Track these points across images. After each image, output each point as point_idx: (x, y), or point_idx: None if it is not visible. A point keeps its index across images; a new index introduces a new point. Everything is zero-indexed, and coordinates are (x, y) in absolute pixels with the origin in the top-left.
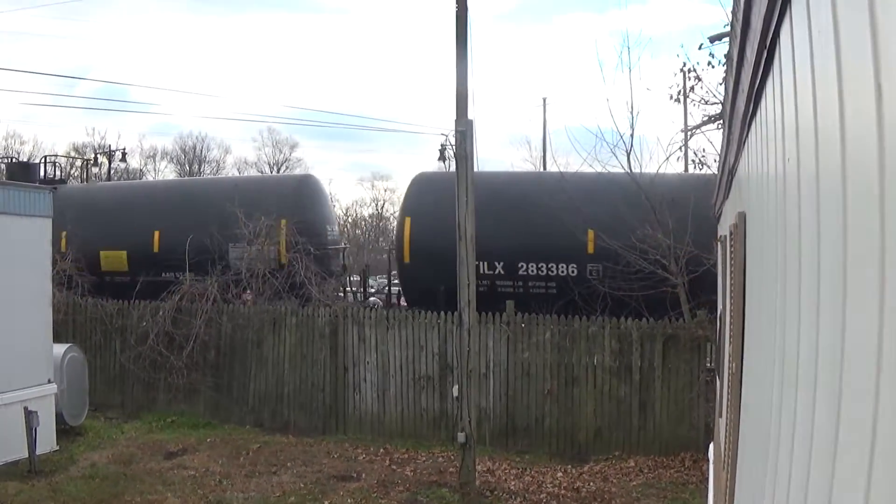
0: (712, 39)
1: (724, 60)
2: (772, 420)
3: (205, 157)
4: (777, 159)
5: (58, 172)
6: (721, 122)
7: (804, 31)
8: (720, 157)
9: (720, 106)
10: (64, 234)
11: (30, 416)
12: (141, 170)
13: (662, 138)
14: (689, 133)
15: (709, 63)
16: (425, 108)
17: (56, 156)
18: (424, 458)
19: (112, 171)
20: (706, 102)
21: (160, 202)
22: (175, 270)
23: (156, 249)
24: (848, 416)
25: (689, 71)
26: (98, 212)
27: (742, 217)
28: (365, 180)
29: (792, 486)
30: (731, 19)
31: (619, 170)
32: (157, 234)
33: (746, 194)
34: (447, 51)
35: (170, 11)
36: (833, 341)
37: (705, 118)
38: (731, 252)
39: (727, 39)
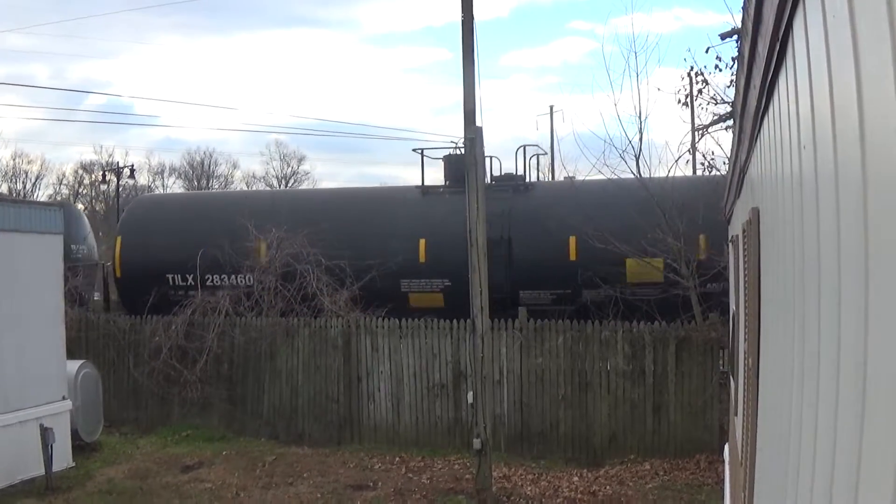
0: (723, 36)
1: (730, 63)
2: (792, 414)
3: (213, 172)
4: (792, 150)
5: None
6: (730, 121)
7: (818, 16)
8: (731, 156)
9: (728, 106)
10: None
11: (45, 432)
12: (149, 186)
13: (671, 142)
14: (699, 133)
15: (716, 66)
16: (432, 120)
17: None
18: (440, 466)
19: (120, 189)
20: (716, 102)
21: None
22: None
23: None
24: (874, 406)
25: (697, 74)
26: None
27: (756, 213)
28: None
29: (816, 478)
30: (741, 16)
31: (628, 175)
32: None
33: (759, 190)
34: (453, 62)
35: (172, 30)
36: (856, 330)
37: (715, 117)
38: (744, 250)
39: (736, 38)
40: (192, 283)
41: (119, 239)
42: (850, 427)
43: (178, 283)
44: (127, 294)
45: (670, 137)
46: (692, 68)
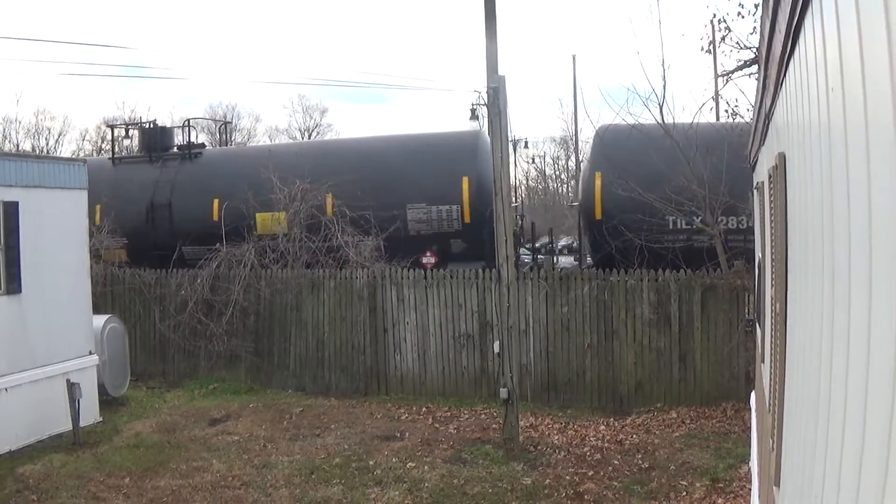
0: None
1: (753, 10)
2: (822, 358)
3: (236, 125)
4: (819, 94)
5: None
6: (754, 67)
7: None
8: (756, 103)
9: (752, 52)
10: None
11: (72, 388)
12: None
13: (694, 90)
14: (723, 80)
15: (738, 13)
16: (455, 68)
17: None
18: (467, 416)
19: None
20: (740, 48)
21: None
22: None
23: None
24: None
25: (720, 21)
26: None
27: (782, 158)
28: None
29: (847, 422)
30: None
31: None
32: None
33: (785, 136)
34: (476, 10)
35: None
36: (888, 274)
37: (739, 63)
38: (770, 195)
39: None
40: None
41: None
42: (883, 371)
43: None
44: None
45: (694, 85)
46: (714, 15)
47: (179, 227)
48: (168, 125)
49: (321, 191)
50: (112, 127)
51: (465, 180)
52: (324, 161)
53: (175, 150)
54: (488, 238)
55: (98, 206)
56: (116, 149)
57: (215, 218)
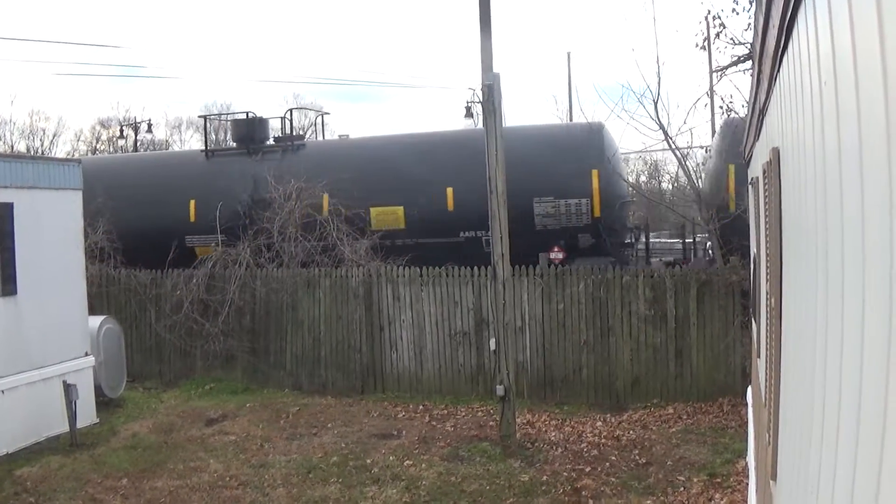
0: None
1: (748, 6)
2: (816, 352)
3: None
4: (812, 88)
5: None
6: (748, 62)
7: None
8: (750, 98)
9: (746, 48)
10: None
11: (69, 389)
12: (167, 140)
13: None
14: (717, 76)
15: (733, 10)
16: (449, 66)
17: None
18: (464, 413)
19: (139, 143)
20: (734, 44)
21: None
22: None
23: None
24: None
25: (714, 18)
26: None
27: (776, 153)
28: None
29: (842, 415)
30: None
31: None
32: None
33: (779, 130)
34: (471, 7)
35: None
36: (881, 268)
37: (733, 59)
38: (765, 190)
39: None
40: None
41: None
42: (877, 364)
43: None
44: None
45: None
46: (709, 12)
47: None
48: (263, 116)
49: (441, 185)
50: (205, 118)
51: (595, 173)
52: (441, 153)
53: (272, 141)
54: (620, 232)
55: (191, 202)
56: (110, 149)
57: (324, 213)
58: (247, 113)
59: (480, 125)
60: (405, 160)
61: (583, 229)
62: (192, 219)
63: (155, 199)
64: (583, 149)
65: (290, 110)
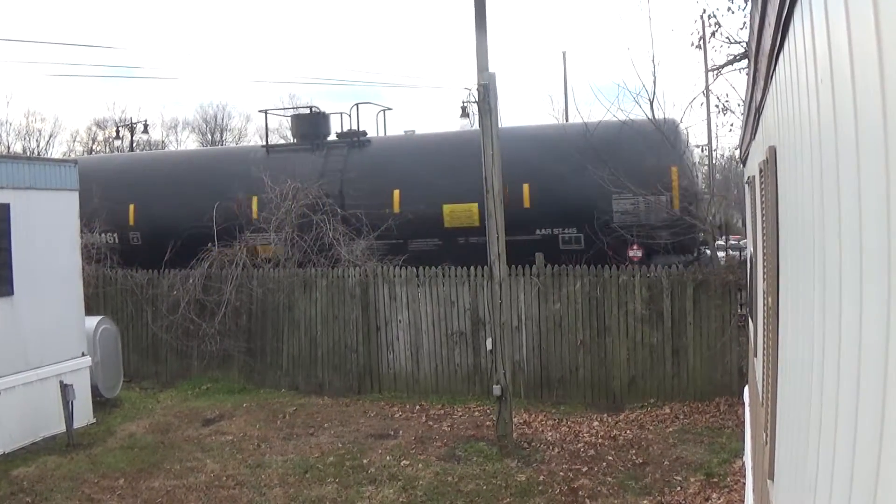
0: None
1: (743, 4)
2: (814, 351)
3: (226, 125)
4: (809, 87)
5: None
6: (744, 61)
7: None
8: (746, 97)
9: (741, 46)
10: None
11: (65, 389)
12: (163, 141)
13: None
14: (713, 75)
15: (728, 8)
16: (445, 66)
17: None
18: (460, 413)
19: (135, 144)
20: (730, 42)
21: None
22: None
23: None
24: None
25: (710, 17)
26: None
27: (772, 151)
28: None
29: (840, 414)
30: None
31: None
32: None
33: (775, 129)
34: (466, 7)
35: None
36: (879, 266)
37: (729, 58)
38: (761, 189)
39: None
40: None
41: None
42: (874, 363)
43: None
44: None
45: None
46: (704, 11)
47: (354, 220)
48: (325, 111)
49: (517, 182)
50: (266, 112)
51: (674, 170)
52: (515, 149)
53: (335, 137)
54: (697, 229)
55: (253, 198)
56: (106, 150)
57: (396, 209)
58: (310, 108)
59: (476, 125)
60: (478, 156)
61: (661, 227)
62: (255, 216)
63: (213, 196)
64: (661, 145)
65: (357, 104)
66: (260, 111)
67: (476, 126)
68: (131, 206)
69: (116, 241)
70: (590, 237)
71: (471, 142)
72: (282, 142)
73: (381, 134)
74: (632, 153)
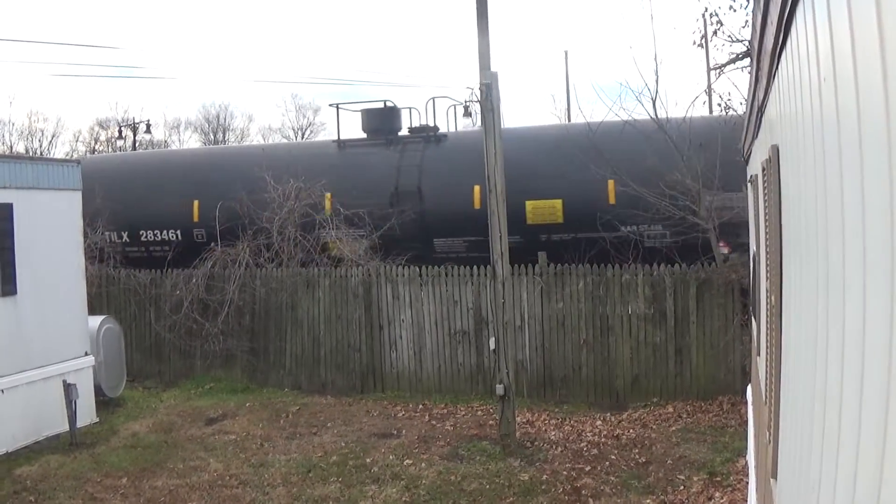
0: None
1: (745, 3)
2: (817, 350)
3: (229, 125)
4: (812, 86)
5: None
6: (746, 60)
7: None
8: (748, 96)
9: (744, 45)
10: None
11: (69, 389)
12: (165, 141)
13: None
14: (715, 73)
15: (730, 7)
16: (447, 65)
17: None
18: (463, 413)
19: (137, 144)
20: (732, 41)
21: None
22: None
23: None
24: None
25: (712, 15)
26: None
27: (775, 150)
28: None
29: (844, 412)
30: None
31: (644, 117)
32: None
33: (778, 128)
34: (468, 6)
35: None
36: (882, 264)
37: (731, 56)
38: (764, 188)
39: None
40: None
41: None
42: (878, 362)
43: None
44: None
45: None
46: (706, 9)
47: (431, 217)
48: (396, 105)
49: (601, 178)
50: (337, 106)
51: None
52: (601, 145)
53: (406, 132)
54: None
55: (327, 195)
56: (109, 149)
57: (476, 206)
58: (384, 102)
59: (479, 125)
60: (561, 151)
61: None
62: (328, 212)
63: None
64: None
65: (433, 99)
66: (330, 105)
67: (478, 125)
68: (195, 203)
69: (179, 237)
70: (684, 234)
71: (552, 136)
72: (316, 139)
73: (452, 129)
74: (723, 150)
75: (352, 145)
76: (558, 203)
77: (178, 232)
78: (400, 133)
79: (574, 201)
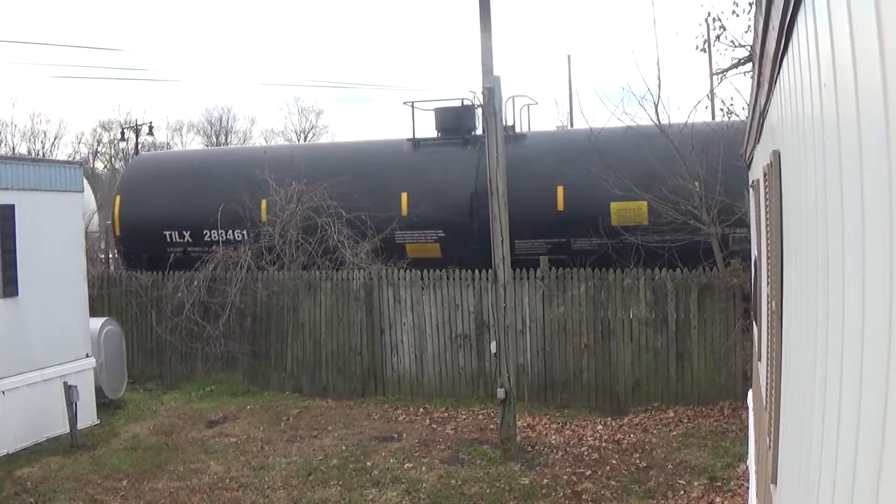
0: None
1: (748, 8)
2: (817, 355)
3: (231, 127)
4: (812, 89)
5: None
6: (749, 65)
7: None
8: (750, 101)
9: (746, 50)
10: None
11: (69, 390)
12: (168, 143)
13: (689, 88)
14: (717, 78)
15: (733, 12)
16: (450, 69)
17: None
18: (464, 417)
19: (140, 146)
20: (735, 46)
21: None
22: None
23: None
24: None
25: (714, 20)
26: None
27: (777, 155)
28: None
29: (842, 418)
30: None
31: (647, 122)
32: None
33: (780, 133)
34: (471, 10)
35: None
36: (881, 270)
37: (734, 61)
38: (765, 193)
39: None
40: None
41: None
42: (877, 369)
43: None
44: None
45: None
46: (709, 14)
47: (513, 218)
48: (470, 103)
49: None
50: (412, 104)
51: None
52: (686, 147)
53: (481, 131)
54: None
55: (403, 194)
56: (111, 151)
57: (560, 207)
58: (462, 100)
59: (480, 129)
60: (646, 152)
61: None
62: (404, 212)
63: (358, 192)
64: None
65: (512, 97)
66: (405, 103)
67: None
68: (263, 202)
69: (246, 237)
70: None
71: (636, 135)
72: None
73: (527, 129)
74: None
75: (427, 144)
76: (644, 205)
77: (244, 232)
78: (476, 132)
79: (659, 203)
